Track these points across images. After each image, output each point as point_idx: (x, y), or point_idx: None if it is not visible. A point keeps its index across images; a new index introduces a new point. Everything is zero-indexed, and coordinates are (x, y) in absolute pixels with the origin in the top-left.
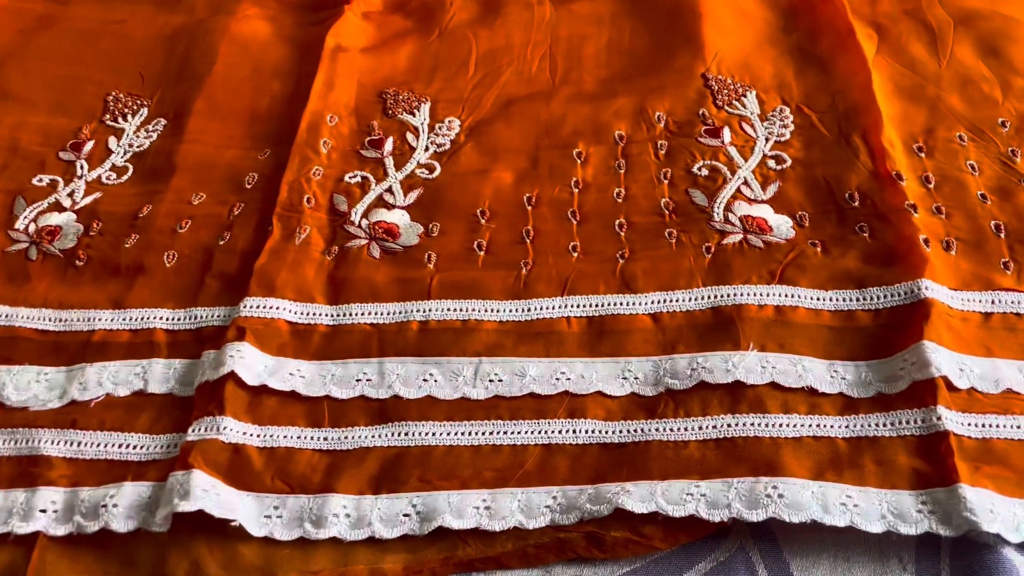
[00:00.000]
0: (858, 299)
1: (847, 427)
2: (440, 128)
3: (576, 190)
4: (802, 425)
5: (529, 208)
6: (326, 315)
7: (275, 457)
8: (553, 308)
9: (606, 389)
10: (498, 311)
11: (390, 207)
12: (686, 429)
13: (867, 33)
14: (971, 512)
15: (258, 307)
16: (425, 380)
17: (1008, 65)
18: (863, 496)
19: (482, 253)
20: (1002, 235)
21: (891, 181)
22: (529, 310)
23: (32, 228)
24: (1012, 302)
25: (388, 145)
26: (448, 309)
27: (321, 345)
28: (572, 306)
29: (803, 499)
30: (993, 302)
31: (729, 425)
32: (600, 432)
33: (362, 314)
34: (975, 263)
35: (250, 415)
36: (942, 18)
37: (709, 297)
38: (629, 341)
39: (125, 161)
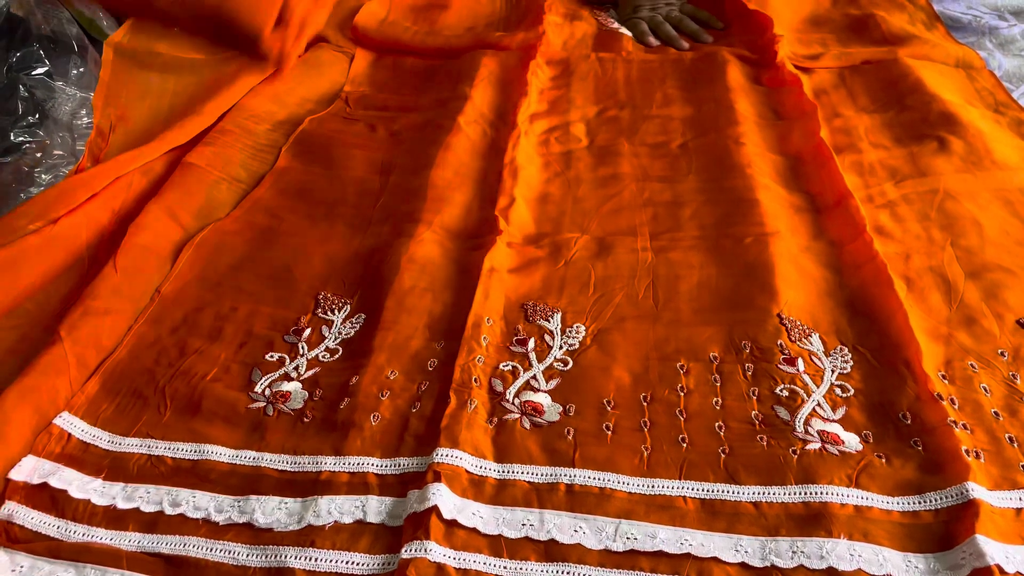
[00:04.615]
0: (919, 502)
1: None
2: (570, 332)
3: (682, 394)
4: None
5: (645, 404)
6: (494, 470)
7: None
8: (673, 488)
9: (722, 556)
10: (628, 484)
11: (535, 390)
12: None
13: (899, 284)
14: None
15: (448, 456)
16: (575, 531)
17: (1003, 304)
18: None
19: (610, 433)
20: (1015, 445)
21: (933, 401)
22: (653, 487)
23: (268, 392)
24: None
25: (531, 343)
26: (589, 477)
27: (492, 494)
28: (688, 488)
29: None
30: (1021, 499)
31: None
32: None
33: (522, 473)
34: (1000, 467)
35: (447, 541)
36: (957, 272)
37: (799, 493)
38: (739, 522)
39: (336, 344)
